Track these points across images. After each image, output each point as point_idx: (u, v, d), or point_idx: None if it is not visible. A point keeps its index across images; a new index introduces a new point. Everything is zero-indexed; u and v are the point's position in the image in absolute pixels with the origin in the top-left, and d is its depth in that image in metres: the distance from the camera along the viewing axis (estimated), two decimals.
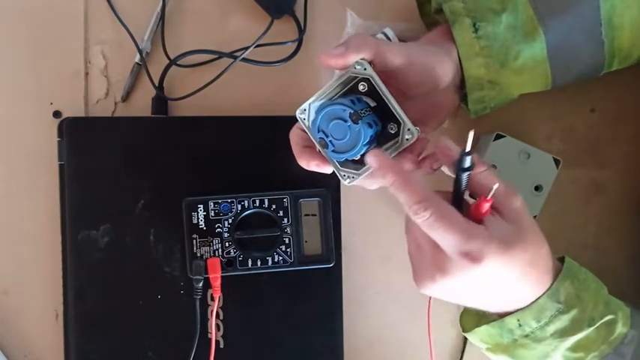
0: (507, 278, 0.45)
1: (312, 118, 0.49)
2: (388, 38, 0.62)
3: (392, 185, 0.45)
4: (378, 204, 0.63)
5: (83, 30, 0.62)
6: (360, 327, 0.63)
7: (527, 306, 0.48)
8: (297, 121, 0.50)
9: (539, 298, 0.47)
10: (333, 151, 0.48)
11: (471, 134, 0.44)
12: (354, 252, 0.63)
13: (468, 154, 0.44)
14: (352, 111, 0.46)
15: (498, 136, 0.61)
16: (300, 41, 0.63)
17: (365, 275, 0.64)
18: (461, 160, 0.45)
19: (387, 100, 0.47)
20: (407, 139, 0.48)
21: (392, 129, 0.48)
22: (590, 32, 0.53)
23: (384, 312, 0.64)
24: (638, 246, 0.66)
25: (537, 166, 0.61)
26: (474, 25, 0.52)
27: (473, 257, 0.44)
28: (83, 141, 0.58)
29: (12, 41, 0.62)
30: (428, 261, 0.46)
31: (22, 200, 0.61)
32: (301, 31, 0.63)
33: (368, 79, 0.47)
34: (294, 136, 0.51)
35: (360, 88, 0.48)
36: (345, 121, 0.46)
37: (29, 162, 0.61)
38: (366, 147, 0.47)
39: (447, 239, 0.44)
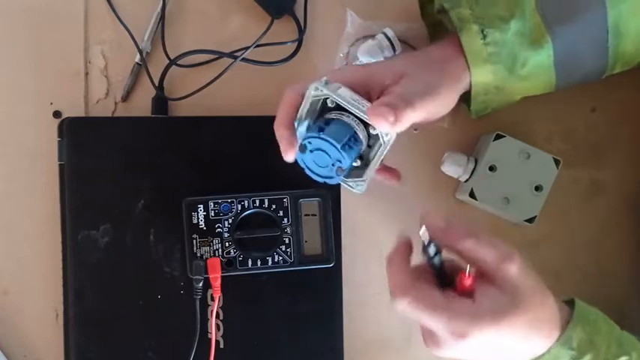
0: (508, 343, 0.46)
1: (299, 141, 0.50)
2: (388, 38, 0.62)
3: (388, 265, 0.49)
4: (378, 204, 0.63)
5: (83, 30, 0.62)
6: (360, 327, 0.63)
7: (540, 356, 0.48)
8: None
9: (551, 347, 0.48)
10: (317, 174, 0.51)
11: (422, 229, 0.46)
12: (354, 252, 0.63)
13: (428, 245, 0.46)
14: (338, 165, 0.49)
15: (498, 136, 0.61)
16: (300, 41, 0.63)
17: (365, 275, 0.64)
18: (425, 250, 0.46)
19: (356, 114, 0.49)
20: (386, 140, 0.49)
21: (373, 129, 0.50)
22: (597, 39, 0.53)
23: (384, 312, 0.64)
24: (638, 246, 0.66)
25: (537, 166, 0.61)
26: (482, 31, 0.52)
27: (460, 334, 0.44)
28: (83, 141, 0.58)
29: (12, 41, 0.62)
30: (425, 335, 0.48)
31: (22, 200, 0.61)
32: (301, 31, 0.63)
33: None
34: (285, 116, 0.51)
35: (329, 104, 0.50)
36: (333, 165, 0.49)
37: (29, 162, 0.61)
38: (353, 159, 0.50)
39: (430, 322, 0.45)
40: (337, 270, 0.60)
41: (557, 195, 0.62)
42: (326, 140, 0.48)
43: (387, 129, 0.48)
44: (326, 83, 0.49)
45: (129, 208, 0.58)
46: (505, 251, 0.46)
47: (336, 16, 0.64)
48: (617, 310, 0.65)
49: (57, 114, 0.61)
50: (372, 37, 0.63)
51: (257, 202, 0.58)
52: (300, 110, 0.50)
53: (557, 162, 0.62)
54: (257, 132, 0.60)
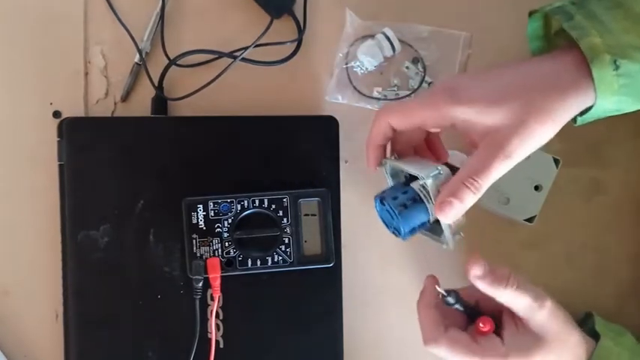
0: None
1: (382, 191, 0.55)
2: (388, 38, 0.62)
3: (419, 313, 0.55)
4: None
5: (83, 30, 0.62)
6: (360, 327, 0.63)
7: None
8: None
9: None
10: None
11: (437, 288, 0.54)
12: (354, 252, 0.63)
13: (447, 296, 0.53)
14: (395, 232, 0.54)
15: None
16: (299, 41, 0.63)
17: (365, 275, 0.64)
18: (445, 301, 0.54)
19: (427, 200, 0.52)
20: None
21: None
22: None
23: (384, 312, 0.64)
24: (638, 246, 0.66)
25: (537, 166, 0.61)
26: (615, 62, 0.48)
27: None
28: (83, 141, 0.58)
29: (12, 41, 0.62)
30: None
31: (22, 200, 0.61)
32: (301, 31, 0.63)
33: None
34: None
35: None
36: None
37: (29, 162, 0.61)
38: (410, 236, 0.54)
39: None
40: (337, 270, 0.60)
41: (556, 194, 0.62)
42: (398, 219, 0.52)
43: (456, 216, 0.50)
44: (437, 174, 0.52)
45: (129, 208, 0.58)
46: (537, 298, 0.52)
47: (335, 16, 0.64)
48: (617, 310, 0.65)
49: (57, 114, 0.61)
50: (372, 37, 0.63)
51: (257, 202, 0.58)
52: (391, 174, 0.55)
53: (556, 161, 0.62)
54: (257, 132, 0.60)
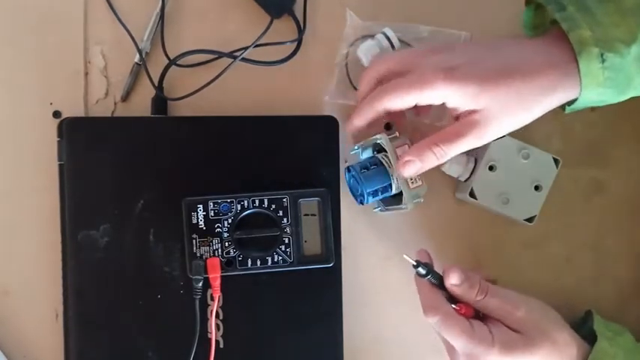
0: None
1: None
2: (388, 38, 0.62)
3: (417, 286, 0.56)
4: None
5: (83, 30, 0.62)
6: (360, 327, 0.63)
7: None
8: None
9: None
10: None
11: (405, 256, 0.55)
12: (354, 252, 0.63)
13: (416, 266, 0.55)
14: (360, 199, 0.59)
15: None
16: (299, 41, 0.63)
17: (365, 275, 0.64)
18: (417, 272, 0.56)
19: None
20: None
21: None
22: None
23: (384, 312, 0.64)
24: (638, 246, 0.66)
25: (537, 166, 0.61)
26: (602, 55, 0.50)
27: (473, 358, 0.52)
28: (83, 141, 0.58)
29: (12, 41, 0.62)
30: (448, 348, 0.55)
31: (22, 200, 0.61)
32: (301, 30, 0.63)
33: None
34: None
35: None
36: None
37: (29, 162, 0.61)
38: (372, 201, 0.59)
39: (454, 341, 0.52)
40: (337, 270, 0.60)
41: (556, 194, 0.62)
42: (361, 181, 0.57)
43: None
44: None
45: (129, 208, 0.58)
46: (510, 301, 0.54)
47: (335, 16, 0.64)
48: (617, 310, 0.65)
49: (57, 114, 0.61)
50: (372, 37, 0.63)
51: (257, 202, 0.58)
52: (363, 141, 0.59)
53: (556, 161, 0.62)
54: (257, 132, 0.60)
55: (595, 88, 0.51)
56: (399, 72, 0.54)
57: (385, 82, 0.54)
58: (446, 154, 0.52)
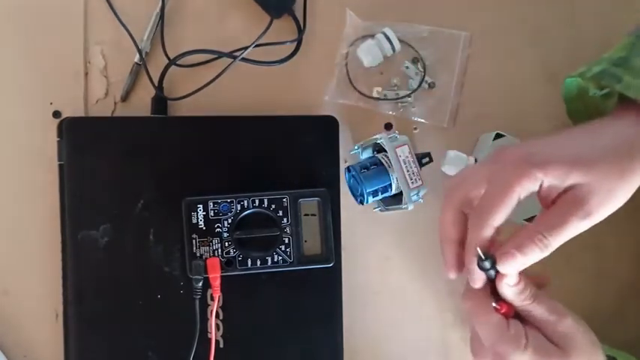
0: None
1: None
2: (388, 38, 0.62)
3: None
4: None
5: (83, 30, 0.62)
6: (360, 327, 0.63)
7: None
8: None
9: None
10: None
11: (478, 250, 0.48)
12: (354, 252, 0.63)
13: (485, 260, 0.48)
14: (360, 199, 0.59)
15: (498, 136, 0.61)
16: (299, 41, 0.63)
17: (365, 275, 0.64)
18: (480, 264, 0.49)
19: (397, 179, 0.59)
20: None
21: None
22: None
23: (384, 312, 0.64)
24: (638, 246, 0.66)
25: None
26: None
27: (500, 357, 0.48)
28: (83, 141, 0.58)
29: (12, 41, 0.62)
30: (473, 341, 0.51)
31: (22, 200, 0.61)
32: (301, 30, 0.63)
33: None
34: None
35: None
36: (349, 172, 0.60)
37: (29, 162, 0.61)
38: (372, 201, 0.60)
39: (481, 333, 0.49)
40: (337, 270, 0.60)
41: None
42: (361, 181, 0.58)
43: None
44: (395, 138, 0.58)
45: (129, 208, 0.58)
46: (557, 310, 0.49)
47: (335, 16, 0.64)
48: (617, 310, 0.65)
49: (57, 114, 0.61)
50: (372, 37, 0.63)
51: (256, 201, 0.58)
52: (363, 141, 0.60)
53: None
54: (257, 132, 0.60)
55: None
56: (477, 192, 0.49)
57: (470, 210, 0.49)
58: (550, 244, 0.46)
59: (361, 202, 0.59)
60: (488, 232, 0.47)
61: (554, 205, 0.47)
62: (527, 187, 0.46)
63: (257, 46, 0.61)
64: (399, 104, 0.64)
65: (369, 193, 0.58)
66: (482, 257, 0.47)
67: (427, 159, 0.60)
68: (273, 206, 0.58)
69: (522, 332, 0.48)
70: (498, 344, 0.48)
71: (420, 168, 0.59)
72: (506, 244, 0.47)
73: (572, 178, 0.46)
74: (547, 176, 0.46)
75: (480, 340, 0.49)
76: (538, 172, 0.46)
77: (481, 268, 0.48)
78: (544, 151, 0.47)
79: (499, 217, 0.47)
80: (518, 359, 0.47)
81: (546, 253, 0.46)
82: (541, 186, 0.46)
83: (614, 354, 0.54)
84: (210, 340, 0.57)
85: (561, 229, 0.46)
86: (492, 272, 0.48)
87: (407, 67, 0.64)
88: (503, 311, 0.49)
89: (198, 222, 0.57)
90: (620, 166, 0.47)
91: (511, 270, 0.47)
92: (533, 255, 0.46)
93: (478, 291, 0.49)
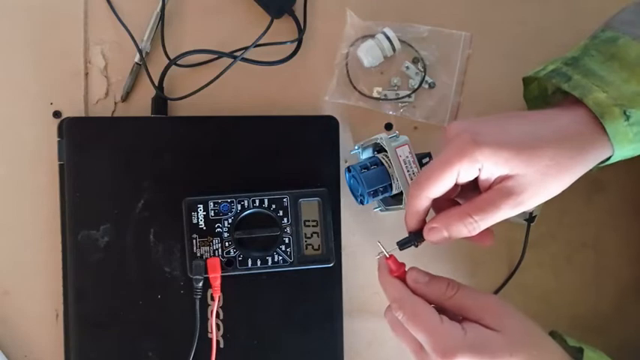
0: None
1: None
2: (388, 38, 0.62)
3: (380, 281, 0.52)
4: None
5: (83, 30, 0.62)
6: (360, 327, 0.63)
7: None
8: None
9: None
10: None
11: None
12: (354, 252, 0.63)
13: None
14: (360, 198, 0.59)
15: None
16: (299, 41, 0.63)
17: (365, 275, 0.64)
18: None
19: (398, 180, 0.58)
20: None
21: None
22: None
23: (384, 312, 0.64)
24: (638, 246, 0.66)
25: None
26: (625, 112, 0.48)
27: (446, 354, 0.47)
28: (83, 141, 0.58)
29: (12, 41, 0.62)
30: (418, 355, 0.51)
31: (22, 200, 0.61)
32: (301, 30, 0.63)
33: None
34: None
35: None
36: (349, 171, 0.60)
37: (29, 162, 0.61)
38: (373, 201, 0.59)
39: (419, 337, 0.48)
40: (337, 270, 0.60)
41: (557, 195, 0.62)
42: (361, 180, 0.57)
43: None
44: (396, 137, 0.58)
45: (129, 208, 0.58)
46: (487, 302, 0.50)
47: (335, 16, 0.64)
48: (617, 310, 0.65)
49: (57, 114, 0.61)
50: (372, 37, 0.63)
51: (257, 201, 0.58)
52: (363, 141, 0.60)
53: None
54: (257, 132, 0.60)
55: (627, 144, 0.49)
56: None
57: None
58: (479, 226, 0.48)
59: (361, 202, 0.59)
60: (424, 202, 0.50)
61: (489, 190, 0.48)
62: (466, 167, 0.47)
63: (257, 46, 0.61)
64: (400, 104, 0.64)
65: (369, 194, 0.58)
66: (385, 253, 0.52)
67: (427, 159, 0.60)
68: (274, 206, 0.58)
69: (458, 325, 0.48)
70: (436, 343, 0.47)
71: (421, 168, 0.59)
72: (437, 219, 0.50)
73: (511, 168, 0.47)
74: (487, 161, 0.47)
75: (422, 348, 0.49)
76: (479, 155, 0.47)
77: (407, 240, 0.52)
78: (490, 133, 0.48)
79: (435, 190, 0.49)
80: (461, 347, 0.47)
81: (473, 234, 0.49)
82: (480, 169, 0.48)
83: (583, 345, 0.53)
84: (210, 340, 0.57)
85: (492, 214, 0.48)
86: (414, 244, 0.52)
87: (407, 67, 0.64)
88: (395, 274, 0.52)
89: (198, 222, 0.57)
90: (559, 162, 0.48)
91: (436, 240, 0.50)
92: (460, 234, 0.49)
93: (404, 294, 0.50)
